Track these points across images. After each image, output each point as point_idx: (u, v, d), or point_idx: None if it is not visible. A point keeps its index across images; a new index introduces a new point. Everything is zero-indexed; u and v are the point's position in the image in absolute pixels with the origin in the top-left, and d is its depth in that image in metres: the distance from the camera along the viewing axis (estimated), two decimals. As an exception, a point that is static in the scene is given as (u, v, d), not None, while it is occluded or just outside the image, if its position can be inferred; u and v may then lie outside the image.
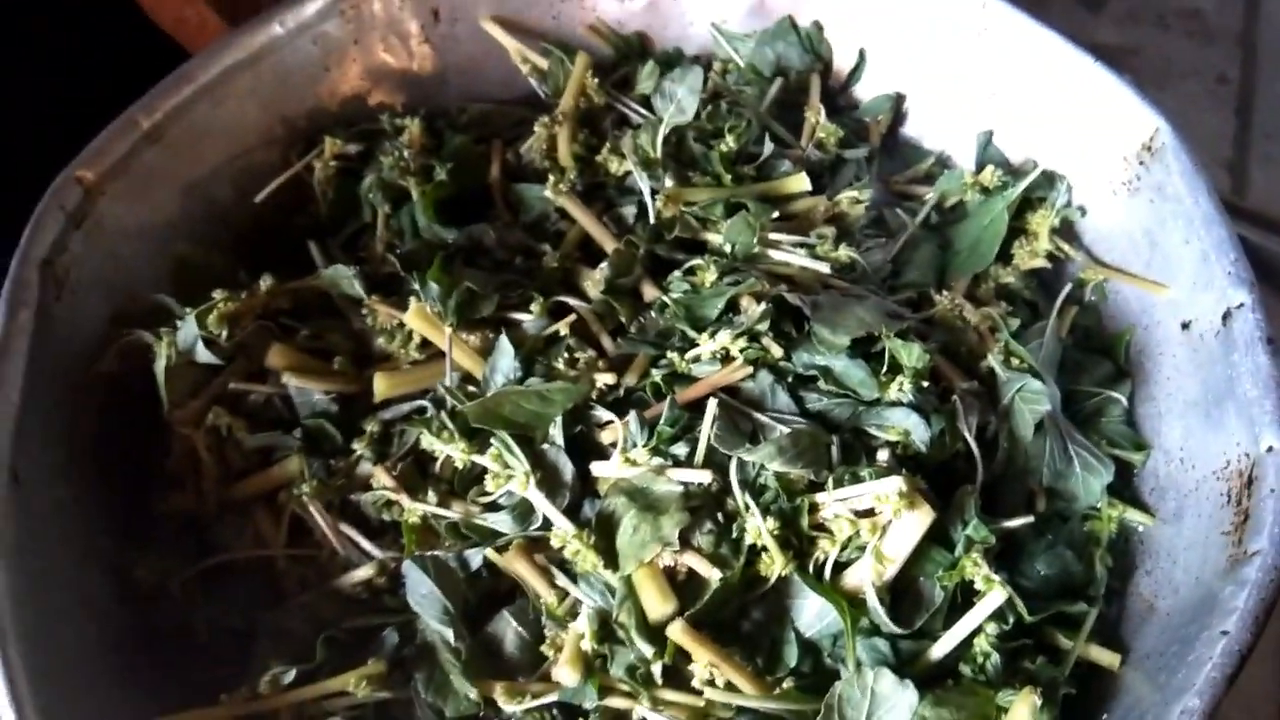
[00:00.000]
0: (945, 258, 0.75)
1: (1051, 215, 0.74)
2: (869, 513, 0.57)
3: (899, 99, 0.83)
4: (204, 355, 0.64)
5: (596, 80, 0.82)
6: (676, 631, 0.55)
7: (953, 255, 0.75)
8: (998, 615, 0.56)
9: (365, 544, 0.62)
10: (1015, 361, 0.65)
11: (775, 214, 0.73)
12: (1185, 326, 0.66)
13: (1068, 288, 0.72)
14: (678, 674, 0.57)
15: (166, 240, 0.73)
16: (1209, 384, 0.62)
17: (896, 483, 0.56)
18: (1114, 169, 0.72)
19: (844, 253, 0.70)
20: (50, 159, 0.69)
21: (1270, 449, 0.56)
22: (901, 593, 0.58)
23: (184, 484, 0.65)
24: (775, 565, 0.56)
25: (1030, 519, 0.60)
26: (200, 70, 0.73)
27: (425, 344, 0.68)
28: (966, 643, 0.57)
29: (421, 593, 0.59)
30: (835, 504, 0.58)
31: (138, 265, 0.71)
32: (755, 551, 0.58)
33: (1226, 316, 0.62)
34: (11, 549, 0.54)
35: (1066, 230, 0.75)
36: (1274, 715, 0.73)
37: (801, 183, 0.75)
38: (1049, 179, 0.75)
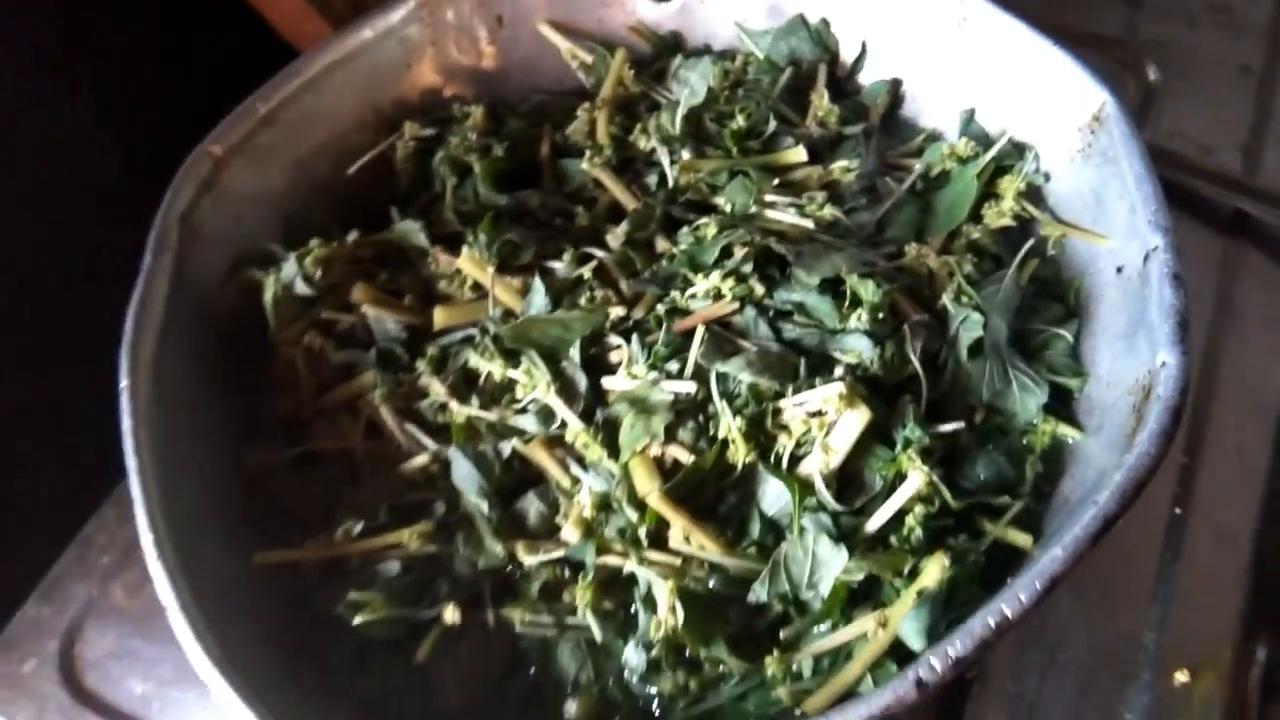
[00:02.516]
0: (925, 219, 0.86)
1: (1018, 180, 0.85)
2: (819, 414, 0.70)
3: (896, 84, 0.95)
4: (301, 288, 0.81)
5: (633, 72, 0.96)
6: (655, 500, 0.68)
7: (932, 216, 0.86)
8: (926, 499, 0.68)
9: (424, 438, 0.78)
10: (965, 299, 0.77)
11: (775, 181, 0.86)
12: (1119, 270, 0.76)
13: (1030, 242, 0.83)
14: (661, 540, 0.70)
15: (277, 204, 0.90)
16: (1131, 316, 0.72)
17: (838, 387, 0.68)
18: (1071, 138, 0.82)
19: (828, 211, 0.82)
20: (189, 139, 0.86)
21: (1163, 363, 0.66)
22: (848, 482, 0.70)
23: (284, 391, 0.82)
24: (740, 453, 0.69)
25: (962, 425, 0.72)
26: (306, 67, 0.91)
27: (476, 286, 0.84)
28: (899, 521, 0.68)
29: (463, 473, 0.74)
30: (793, 407, 0.70)
31: (254, 223, 0.88)
32: (726, 444, 0.71)
33: (1146, 258, 0.72)
34: (154, 430, 0.71)
35: (1034, 194, 0.86)
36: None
37: (799, 154, 0.87)
38: (1018, 149, 0.86)
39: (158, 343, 0.74)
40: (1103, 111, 0.79)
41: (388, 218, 0.91)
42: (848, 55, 0.97)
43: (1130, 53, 1.23)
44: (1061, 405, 0.76)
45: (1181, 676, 0.84)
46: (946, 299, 0.77)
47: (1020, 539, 0.69)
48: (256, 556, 0.71)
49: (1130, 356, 0.71)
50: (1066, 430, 0.74)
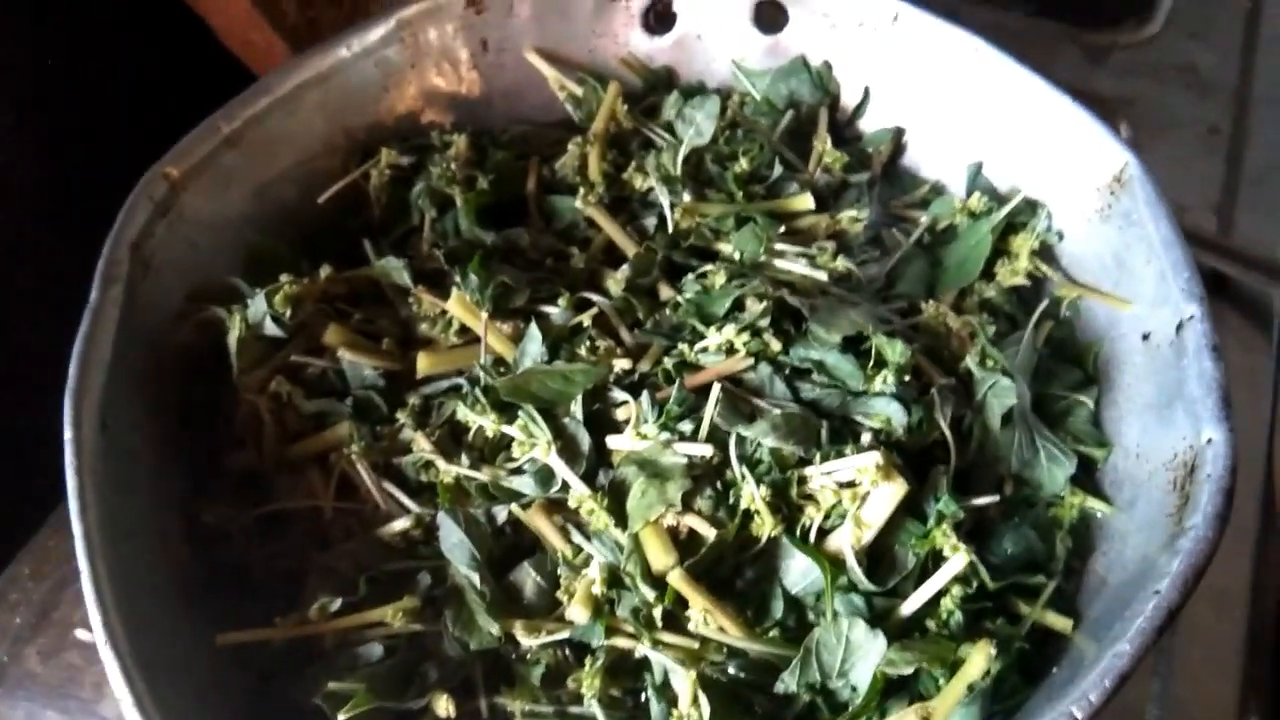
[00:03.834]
0: (935, 274, 0.83)
1: (1032, 238, 0.82)
2: (851, 484, 0.65)
3: (899, 132, 0.92)
4: (271, 329, 0.73)
5: (625, 107, 0.91)
6: (676, 578, 0.62)
7: (942, 271, 0.83)
8: (963, 579, 0.63)
9: (405, 499, 0.70)
10: (990, 363, 0.73)
11: (781, 229, 0.81)
12: (1145, 338, 0.73)
13: (1044, 303, 0.79)
14: (675, 620, 0.64)
15: (238, 232, 0.82)
16: (1163, 387, 0.70)
17: (874, 456, 0.63)
18: (1088, 198, 0.80)
19: (841, 263, 0.78)
20: (128, 160, 0.78)
21: (1209, 440, 0.63)
22: (878, 558, 0.65)
23: (246, 443, 0.73)
24: (765, 526, 0.64)
25: (996, 498, 0.68)
26: (276, 84, 0.83)
27: (463, 330, 0.77)
28: (934, 603, 0.64)
29: (453, 541, 0.67)
30: (821, 476, 0.65)
31: (212, 252, 0.80)
32: (749, 515, 0.65)
33: (1180, 327, 0.69)
34: (102, 486, 0.62)
35: (1046, 252, 0.83)
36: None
37: (806, 201, 0.83)
38: (1031, 206, 0.83)
39: (105, 387, 0.66)
40: (1125, 173, 0.77)
41: (357, 252, 0.84)
42: (849, 100, 0.93)
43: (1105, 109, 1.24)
44: (1085, 477, 0.73)
45: (1185, 755, 0.82)
46: (971, 362, 0.73)
47: (1059, 623, 0.65)
48: (220, 638, 0.62)
49: (1164, 429, 0.68)
50: (1096, 504, 0.71)
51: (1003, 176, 0.87)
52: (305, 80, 0.84)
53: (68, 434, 0.62)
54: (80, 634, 0.84)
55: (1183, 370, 0.67)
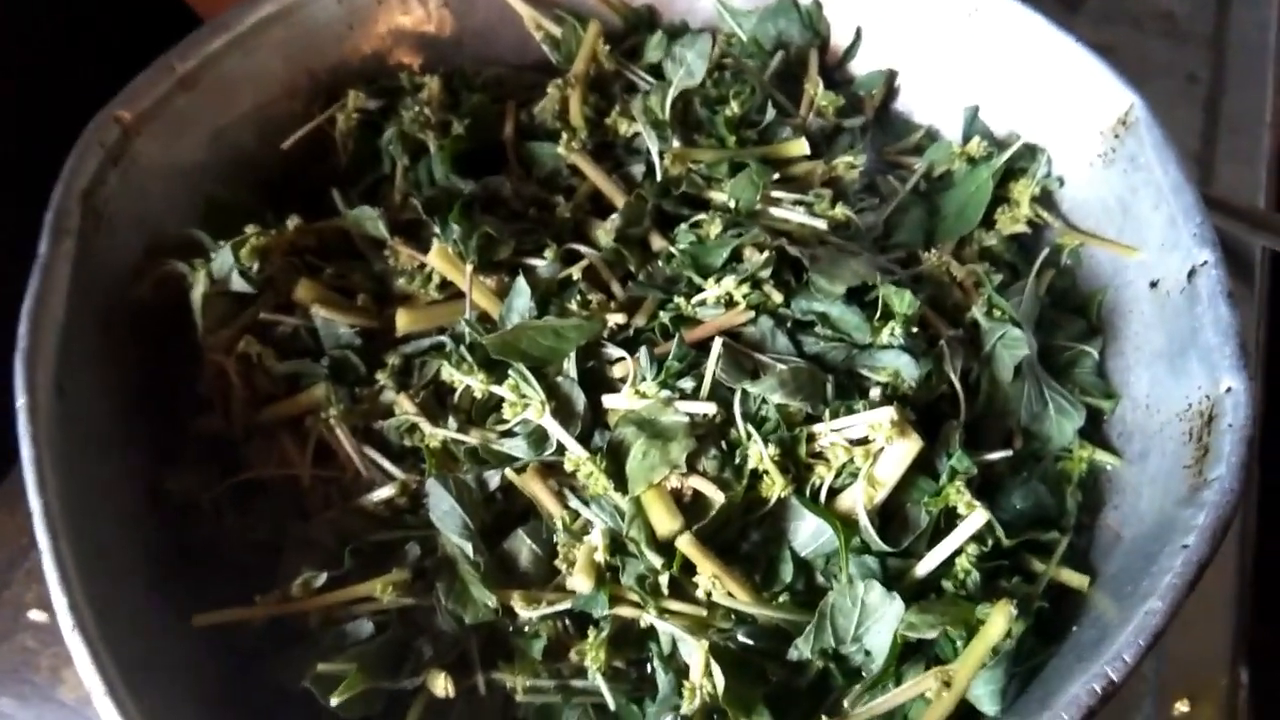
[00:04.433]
0: (933, 222, 0.80)
1: (1032, 184, 0.79)
2: (862, 441, 0.62)
3: (891, 75, 0.88)
4: (239, 284, 0.68)
5: (607, 48, 0.86)
6: (685, 543, 0.59)
7: (940, 219, 0.80)
8: (978, 538, 0.61)
9: (388, 465, 0.66)
10: (997, 313, 0.70)
11: (775, 175, 0.77)
12: (1153, 285, 0.71)
13: (1046, 251, 0.77)
14: (680, 587, 0.61)
15: (195, 181, 0.76)
16: (1174, 336, 0.68)
17: (889, 412, 0.60)
18: (1091, 142, 0.77)
19: (840, 211, 0.75)
20: (64, 102, 0.72)
21: (1229, 389, 0.61)
22: (890, 517, 0.63)
23: (213, 407, 0.68)
24: (775, 487, 0.61)
25: (1009, 453, 0.65)
26: (234, 22, 0.77)
27: (444, 285, 0.72)
28: (948, 562, 0.61)
29: (443, 509, 0.63)
30: (831, 433, 0.62)
31: (169, 202, 0.74)
32: (756, 476, 0.62)
33: (1191, 274, 0.67)
34: (60, 456, 0.57)
35: (1046, 199, 0.80)
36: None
37: (801, 147, 0.79)
38: (1030, 151, 0.81)
39: (60, 349, 0.60)
40: (1130, 115, 0.74)
41: (322, 202, 0.79)
42: (839, 42, 0.89)
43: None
44: (1092, 429, 0.71)
45: (1182, 706, 0.81)
46: (978, 312, 0.70)
47: (1075, 579, 0.63)
48: (197, 618, 0.58)
49: (1177, 379, 0.66)
50: (1105, 457, 0.69)
51: (1000, 120, 0.83)
52: (265, 17, 0.78)
53: (20, 400, 0.57)
54: (34, 615, 0.79)
55: (1196, 318, 0.65)
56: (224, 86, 0.77)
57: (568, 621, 0.62)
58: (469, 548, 0.62)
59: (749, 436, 0.62)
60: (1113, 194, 0.76)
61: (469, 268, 0.69)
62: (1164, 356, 0.68)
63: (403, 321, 0.70)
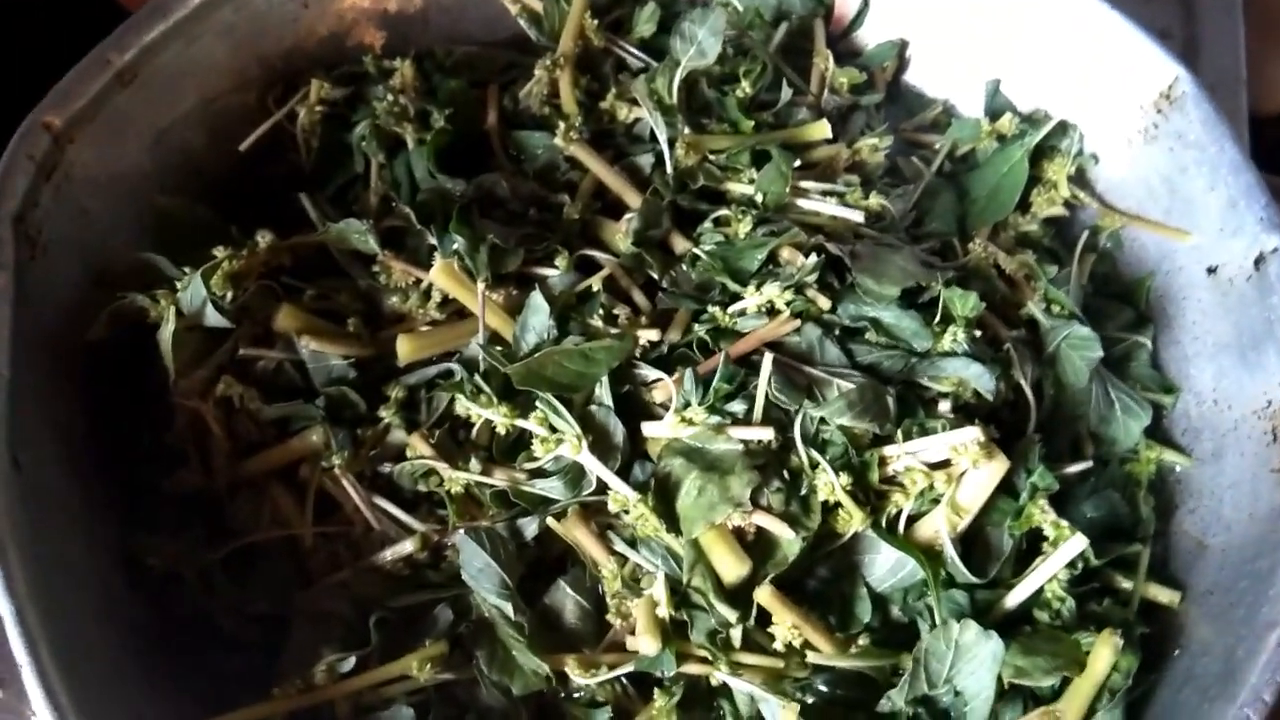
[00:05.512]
0: (964, 206, 0.74)
1: (1068, 163, 0.74)
2: (941, 464, 0.56)
3: (903, 46, 0.82)
4: (214, 319, 0.58)
5: (595, 22, 0.77)
6: (764, 595, 0.53)
7: (971, 203, 0.74)
8: (1069, 562, 0.56)
9: (403, 516, 0.58)
10: (1056, 309, 0.65)
11: (797, 162, 0.71)
12: (1211, 271, 0.67)
13: (1085, 235, 0.72)
14: (750, 637, 0.55)
15: (140, 192, 0.66)
16: (1243, 327, 0.64)
17: (974, 433, 0.55)
18: (1129, 117, 0.72)
19: (875, 201, 0.68)
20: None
21: (1319, 387, 0.57)
22: (970, 543, 0.57)
23: (188, 461, 0.59)
24: (853, 521, 0.55)
25: (1088, 464, 0.61)
26: (175, 6, 0.66)
27: (444, 303, 0.64)
28: (1036, 589, 0.57)
29: (477, 566, 0.55)
30: (906, 456, 0.56)
31: (113, 220, 0.64)
32: (828, 509, 0.56)
33: (1260, 261, 0.63)
34: (24, 540, 0.48)
35: (1079, 178, 0.75)
36: None
37: (823, 130, 0.72)
38: (1061, 126, 0.75)
39: (9, 407, 0.50)
40: (1174, 89, 0.69)
41: (284, 208, 0.69)
42: (845, 9, 0.82)
43: None
44: (1153, 425, 0.67)
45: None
46: (1035, 309, 0.65)
47: (1165, 595, 0.59)
48: (208, 726, 0.49)
49: (1251, 373, 0.62)
50: (1172, 456, 0.65)
51: (1024, 94, 0.78)
52: (207, 1, 0.67)
53: (-35, 482, 0.47)
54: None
55: (1272, 309, 0.61)
56: (166, 80, 0.67)
57: (625, 682, 0.55)
58: (509, 608, 0.55)
59: (814, 464, 0.56)
60: (1157, 173, 0.71)
61: (481, 285, 0.61)
62: (1232, 348, 0.64)
63: (404, 349, 0.61)
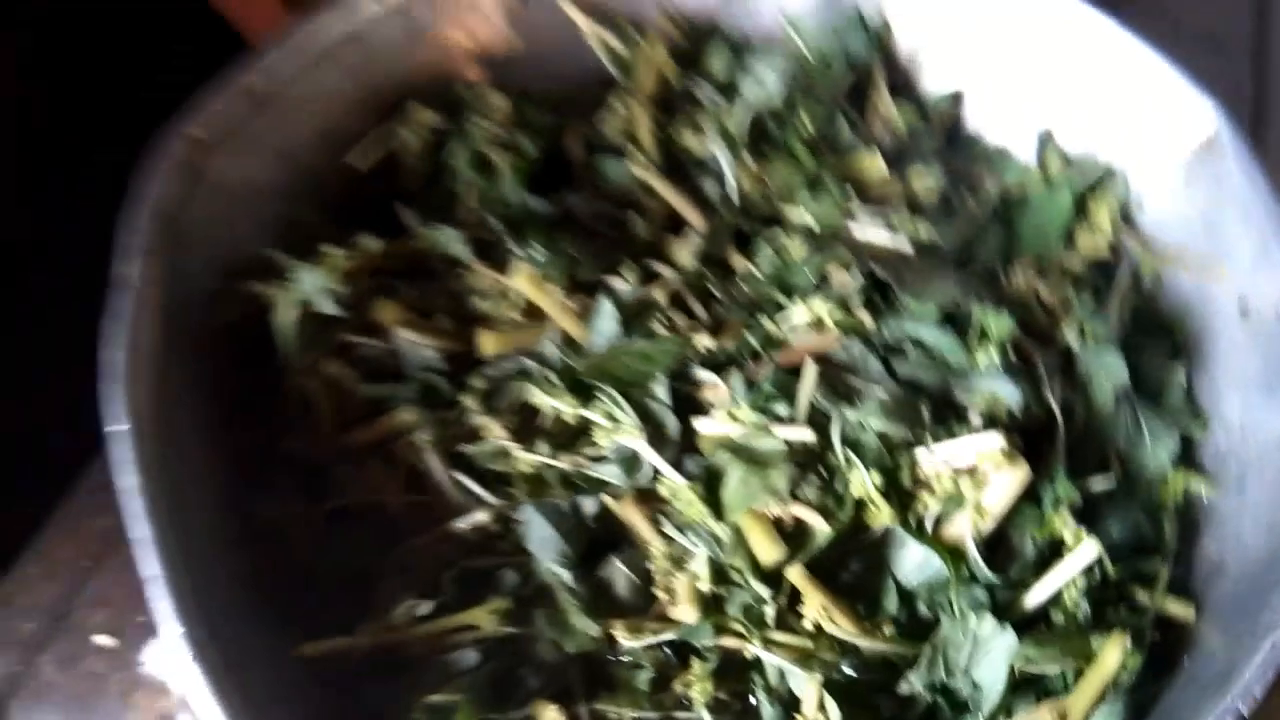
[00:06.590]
0: (1010, 241, 0.79)
1: (1113, 205, 0.78)
2: (968, 469, 0.61)
3: (960, 95, 0.87)
4: (327, 306, 0.67)
5: (673, 62, 0.85)
6: (795, 574, 0.58)
7: (1017, 239, 0.79)
8: (1087, 569, 0.60)
9: (480, 490, 0.65)
10: (1090, 337, 0.70)
11: (852, 193, 0.77)
12: (1243, 308, 0.70)
13: (1126, 272, 0.76)
14: (783, 617, 0.60)
15: (265, 201, 0.75)
16: (1270, 361, 0.67)
17: (997, 439, 0.60)
18: (1173, 160, 0.76)
19: (923, 230, 0.74)
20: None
21: (1339, 421, 0.60)
22: (994, 545, 0.62)
23: (297, 430, 0.67)
24: (882, 516, 0.60)
25: (1111, 481, 0.65)
26: (306, 41, 0.75)
27: (524, 306, 0.71)
28: (1055, 592, 0.61)
29: (541, 536, 0.62)
30: (936, 460, 0.61)
31: (242, 222, 0.72)
32: (860, 504, 0.61)
33: (1287, 299, 0.66)
34: (160, 490, 0.56)
35: (1124, 219, 0.80)
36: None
37: (878, 164, 0.79)
38: (1108, 171, 0.80)
39: (152, 375, 0.59)
40: (1215, 134, 0.73)
41: (385, 221, 0.77)
42: (906, 59, 0.89)
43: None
44: (1183, 453, 0.70)
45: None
46: (1069, 335, 0.70)
47: (1180, 610, 0.62)
48: (305, 647, 0.57)
49: (1274, 405, 0.65)
50: (1201, 485, 0.68)
51: (1074, 138, 0.83)
52: (335, 37, 0.77)
53: (119, 427, 0.55)
54: (99, 639, 0.78)
55: (1298, 346, 0.65)
56: (294, 105, 0.76)
57: (668, 651, 0.61)
58: (567, 576, 0.61)
59: (849, 463, 0.61)
60: (1196, 213, 0.75)
61: (557, 291, 0.68)
62: (1260, 383, 0.68)
63: (487, 345, 0.68)
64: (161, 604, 0.51)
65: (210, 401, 0.65)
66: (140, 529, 0.53)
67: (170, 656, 0.55)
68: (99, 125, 0.70)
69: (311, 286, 0.66)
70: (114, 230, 0.63)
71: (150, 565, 0.51)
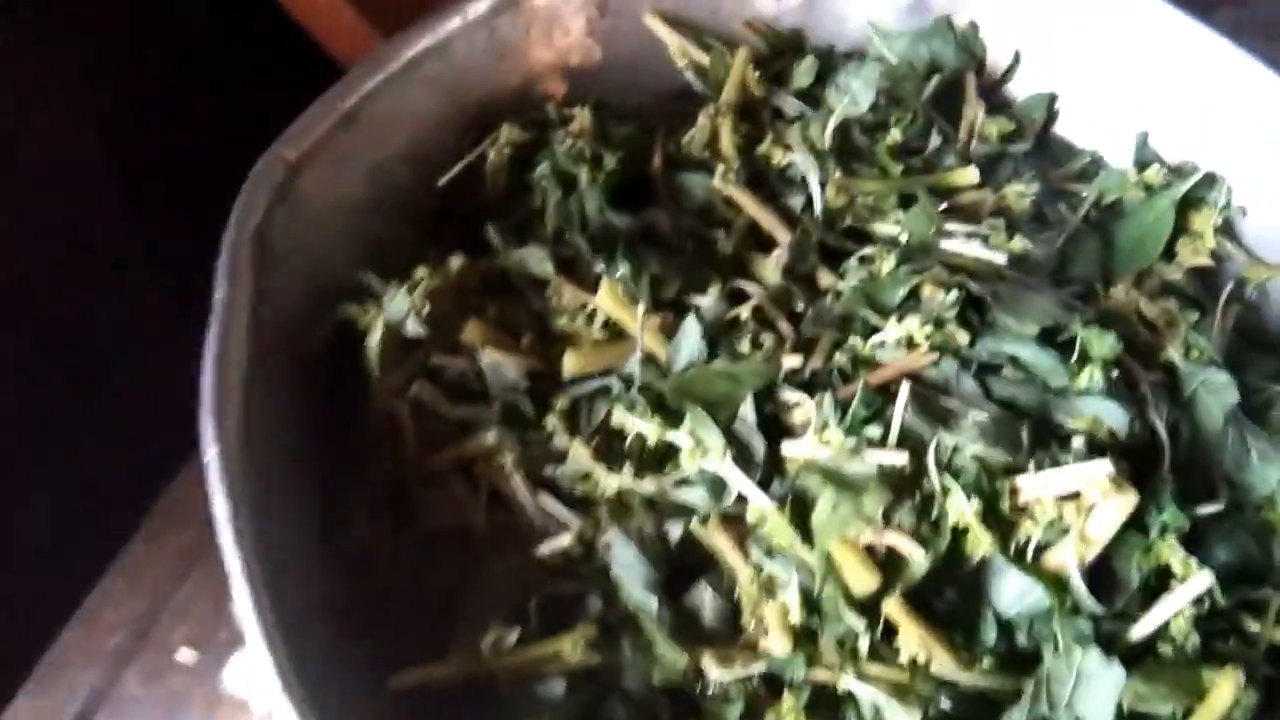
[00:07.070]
0: (1108, 254, 0.76)
1: (1215, 214, 0.75)
2: (1071, 496, 0.59)
3: (1052, 98, 0.85)
4: (415, 329, 0.67)
5: (756, 74, 0.84)
6: (892, 606, 0.56)
7: (1115, 251, 0.77)
8: (1196, 598, 0.58)
9: (564, 513, 0.64)
10: (1195, 354, 0.67)
11: (943, 205, 0.75)
12: (1355, 323, 0.67)
13: (1230, 285, 0.73)
14: (876, 649, 0.59)
15: (353, 218, 0.75)
16: (1386, 379, 0.64)
17: (1105, 466, 0.57)
18: (1275, 168, 0.73)
19: (1018, 244, 0.72)
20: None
21: None
22: (1097, 575, 0.60)
23: (380, 454, 0.67)
24: (981, 545, 0.58)
25: (1220, 505, 0.62)
26: (390, 58, 0.76)
27: (607, 324, 0.71)
28: (1161, 623, 0.58)
29: (626, 561, 0.61)
30: (1038, 487, 0.59)
31: (331, 241, 0.73)
32: (957, 532, 0.59)
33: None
34: (251, 512, 0.56)
35: (1226, 229, 0.77)
36: None
37: (970, 175, 0.76)
38: (1209, 178, 0.77)
39: (245, 397, 0.60)
40: (1326, 143, 0.70)
41: (469, 237, 0.77)
42: (997, 64, 0.86)
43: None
44: (1287, 476, 0.67)
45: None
46: (1174, 354, 0.67)
47: (1296, 642, 0.59)
48: (394, 679, 0.57)
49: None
50: (1312, 508, 0.65)
51: (1172, 146, 0.80)
52: (419, 52, 0.77)
53: (213, 450, 0.56)
54: (182, 655, 0.79)
55: None
56: (380, 123, 0.76)
57: (757, 682, 0.60)
58: (653, 601, 0.60)
59: (946, 490, 0.60)
60: (1305, 222, 0.72)
61: (641, 309, 0.67)
62: (1376, 401, 0.64)
63: (570, 364, 0.68)
64: (249, 630, 0.51)
65: (296, 423, 0.65)
66: (230, 557, 0.53)
67: (253, 675, 0.56)
68: (199, 149, 0.72)
69: (399, 308, 0.66)
70: (212, 251, 0.64)
71: (239, 591, 0.52)
